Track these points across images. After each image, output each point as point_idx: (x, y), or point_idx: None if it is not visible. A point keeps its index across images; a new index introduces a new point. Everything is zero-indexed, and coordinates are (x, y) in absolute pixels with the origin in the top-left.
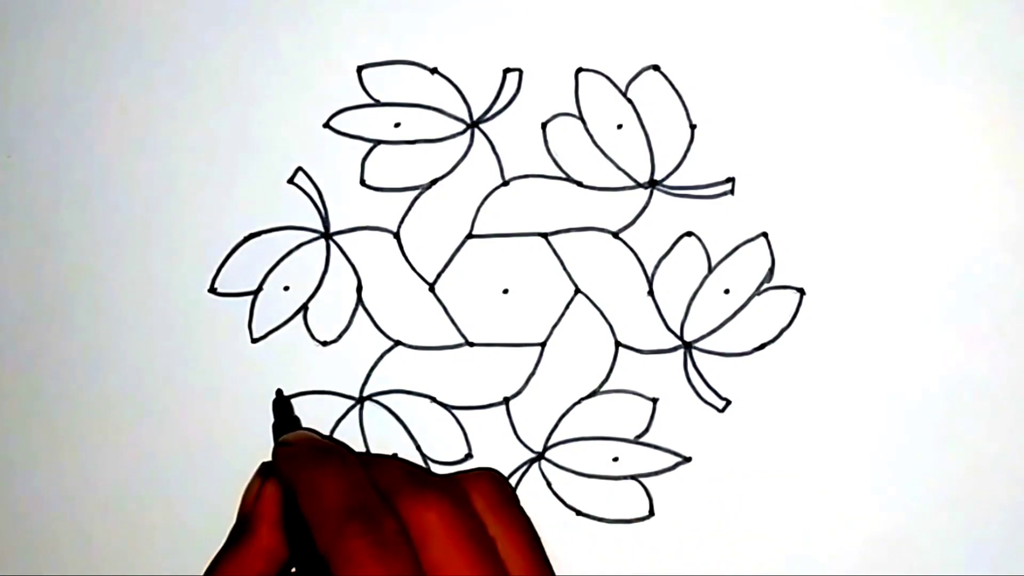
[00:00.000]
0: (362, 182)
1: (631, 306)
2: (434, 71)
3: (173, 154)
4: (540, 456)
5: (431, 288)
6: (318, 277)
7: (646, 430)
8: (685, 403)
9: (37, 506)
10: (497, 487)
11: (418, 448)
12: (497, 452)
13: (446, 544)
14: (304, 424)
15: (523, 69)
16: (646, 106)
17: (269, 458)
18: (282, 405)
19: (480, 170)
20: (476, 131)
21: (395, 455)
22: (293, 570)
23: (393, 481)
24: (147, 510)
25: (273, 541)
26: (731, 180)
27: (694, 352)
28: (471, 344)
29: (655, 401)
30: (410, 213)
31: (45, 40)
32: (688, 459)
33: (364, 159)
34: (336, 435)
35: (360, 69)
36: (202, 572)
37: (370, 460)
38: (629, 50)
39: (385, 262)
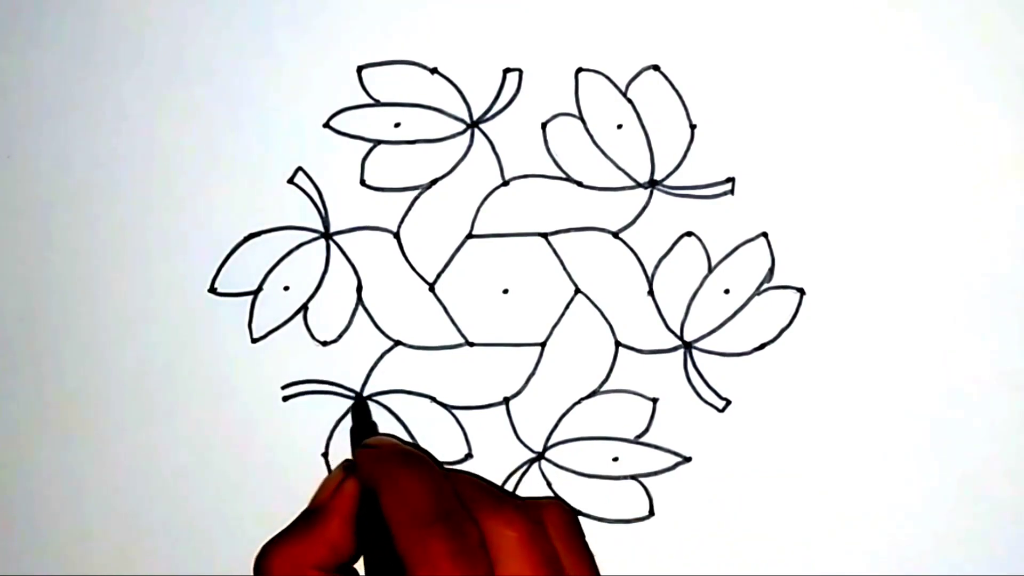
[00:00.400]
0: (362, 182)
1: (631, 306)
2: (434, 71)
3: (172, 154)
4: (540, 456)
5: (431, 288)
6: (318, 277)
7: (646, 430)
8: (685, 403)
9: (37, 506)
10: (569, 518)
11: (418, 448)
12: (497, 452)
13: (522, 564)
14: (306, 425)
15: (523, 69)
16: (646, 106)
17: (270, 458)
18: (361, 409)
19: (480, 170)
20: (476, 131)
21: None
22: (359, 565)
23: (473, 495)
24: (147, 510)
25: (343, 536)
26: (731, 180)
27: (694, 352)
28: (471, 344)
29: (655, 401)
30: (410, 213)
31: (45, 40)
32: (688, 459)
33: (364, 159)
34: (336, 435)
35: (360, 69)
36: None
37: (450, 471)
38: (629, 50)
39: (385, 262)
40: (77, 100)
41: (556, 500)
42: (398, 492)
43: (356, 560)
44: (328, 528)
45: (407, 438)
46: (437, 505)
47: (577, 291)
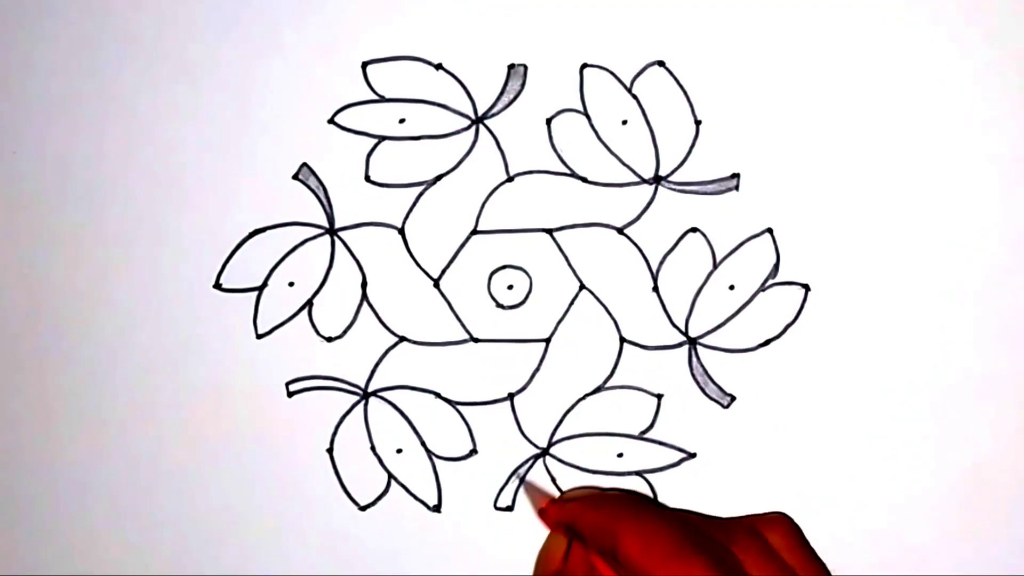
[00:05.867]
0: (367, 178)
1: (636, 302)
2: (439, 67)
3: (177, 150)
4: (545, 452)
5: (436, 284)
6: (323, 273)
7: (651, 426)
8: (690, 399)
9: (41, 503)
10: (795, 531)
11: (423, 444)
12: (502, 448)
13: None
14: (311, 421)
15: (528, 65)
16: (651, 102)
17: (275, 454)
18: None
19: (485, 166)
20: (481, 127)
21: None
22: None
23: (704, 526)
24: (151, 506)
25: None
26: (736, 176)
27: (699, 348)
28: (476, 340)
29: (660, 397)
30: (415, 209)
31: (49, 36)
32: (693, 455)
33: (369, 155)
34: (341, 431)
35: (365, 65)
36: (207, 571)
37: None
38: (634, 46)
39: (390, 258)
40: (81, 97)
41: (779, 516)
42: (645, 534)
43: None
44: None
45: (412, 434)
46: (691, 538)
47: (582, 287)
